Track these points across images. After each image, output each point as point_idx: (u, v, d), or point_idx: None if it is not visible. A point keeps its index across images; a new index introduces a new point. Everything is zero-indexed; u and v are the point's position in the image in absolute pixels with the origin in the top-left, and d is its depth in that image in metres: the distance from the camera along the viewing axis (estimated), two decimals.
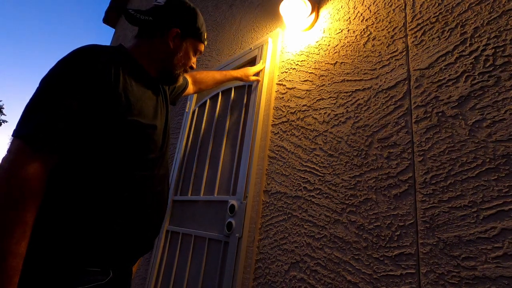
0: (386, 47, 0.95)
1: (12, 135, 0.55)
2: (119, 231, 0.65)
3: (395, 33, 0.94)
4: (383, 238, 0.77)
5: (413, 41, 0.88)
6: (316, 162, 1.01)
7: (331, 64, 1.11)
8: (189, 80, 1.21)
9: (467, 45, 0.76)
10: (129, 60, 0.71)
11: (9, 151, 0.53)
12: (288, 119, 1.19)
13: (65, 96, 0.56)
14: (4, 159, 0.53)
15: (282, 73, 1.32)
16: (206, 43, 0.90)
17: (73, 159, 0.60)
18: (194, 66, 0.88)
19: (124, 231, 0.66)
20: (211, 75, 1.32)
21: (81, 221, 0.60)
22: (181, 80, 0.87)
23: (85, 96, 0.58)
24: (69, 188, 0.60)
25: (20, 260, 0.50)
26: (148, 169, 0.71)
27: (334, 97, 1.05)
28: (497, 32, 0.71)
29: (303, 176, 1.04)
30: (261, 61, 1.41)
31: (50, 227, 0.57)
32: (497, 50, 0.70)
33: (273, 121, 1.25)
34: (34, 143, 0.53)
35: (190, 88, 1.23)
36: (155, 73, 0.79)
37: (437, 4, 0.86)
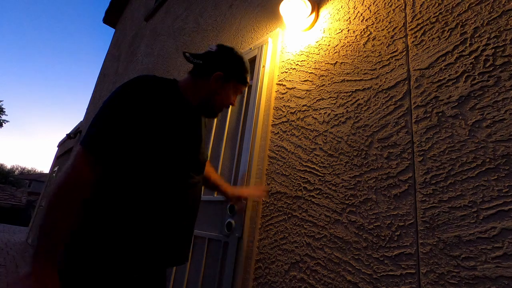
0: (386, 47, 0.95)
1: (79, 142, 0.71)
2: (157, 236, 0.74)
3: (395, 33, 0.94)
4: (383, 238, 0.77)
5: (413, 41, 0.88)
6: (316, 162, 1.01)
7: (331, 64, 1.11)
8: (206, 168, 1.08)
9: (467, 45, 0.76)
10: (176, 91, 0.83)
11: (74, 156, 0.68)
12: (288, 119, 1.19)
13: (117, 115, 0.70)
14: (69, 163, 0.67)
15: (282, 73, 1.32)
16: (249, 83, 0.96)
17: (117, 174, 0.71)
18: (234, 104, 0.96)
19: (161, 235, 0.74)
20: (218, 183, 1.12)
21: (120, 227, 0.70)
22: (218, 115, 0.98)
23: (134, 117, 0.71)
24: (110, 199, 0.71)
25: (66, 235, 0.65)
26: (184, 183, 0.81)
27: (334, 97, 1.05)
28: (497, 32, 0.71)
29: (303, 176, 1.03)
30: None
31: (92, 230, 0.68)
32: (497, 50, 0.70)
33: (273, 121, 1.25)
34: (89, 149, 0.67)
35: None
36: (197, 105, 0.89)
37: (437, 4, 0.86)
